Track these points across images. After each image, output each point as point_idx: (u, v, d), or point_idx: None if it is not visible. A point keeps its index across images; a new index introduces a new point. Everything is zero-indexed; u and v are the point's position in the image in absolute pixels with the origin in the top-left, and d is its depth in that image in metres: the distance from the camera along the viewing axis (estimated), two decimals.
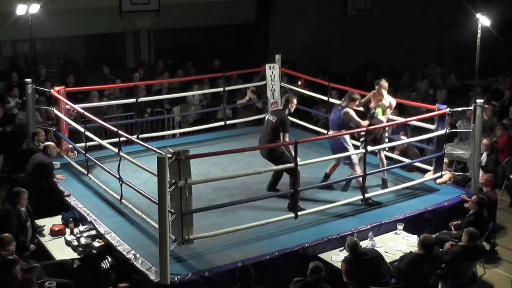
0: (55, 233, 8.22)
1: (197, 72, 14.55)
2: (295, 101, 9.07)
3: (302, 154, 8.52)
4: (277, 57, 12.61)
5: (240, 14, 16.34)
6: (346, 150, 9.07)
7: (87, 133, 9.64)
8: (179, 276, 7.04)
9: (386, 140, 9.69)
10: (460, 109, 10.72)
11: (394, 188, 9.41)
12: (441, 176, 9.67)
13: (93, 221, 8.41)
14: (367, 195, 8.84)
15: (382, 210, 8.87)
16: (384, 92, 9.45)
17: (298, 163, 8.16)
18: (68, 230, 8.26)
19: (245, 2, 16.38)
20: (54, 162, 10.16)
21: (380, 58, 17.33)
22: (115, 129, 8.90)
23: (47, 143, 9.50)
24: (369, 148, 8.90)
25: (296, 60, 16.01)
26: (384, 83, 9.47)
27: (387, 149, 10.06)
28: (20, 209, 7.94)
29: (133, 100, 11.40)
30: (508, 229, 9.83)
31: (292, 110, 9.11)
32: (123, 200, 8.59)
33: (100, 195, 9.23)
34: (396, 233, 8.34)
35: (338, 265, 7.52)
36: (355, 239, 7.39)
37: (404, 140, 10.40)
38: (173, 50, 16.09)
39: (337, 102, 11.76)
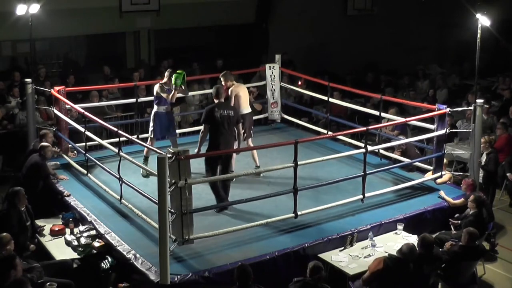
0: (55, 233, 8.22)
1: (198, 72, 14.56)
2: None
3: (302, 154, 8.52)
4: (277, 57, 12.60)
5: (240, 14, 16.35)
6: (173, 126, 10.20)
7: (87, 133, 9.64)
8: (179, 276, 7.03)
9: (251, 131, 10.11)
10: (460, 109, 10.73)
11: (394, 188, 9.41)
12: (441, 176, 9.66)
13: (93, 221, 8.41)
14: (367, 195, 8.84)
15: (382, 210, 8.87)
16: (231, 84, 9.79)
17: (299, 163, 8.15)
18: (68, 230, 8.26)
19: (245, 2, 16.38)
20: (54, 162, 10.21)
21: (380, 58, 17.33)
22: (115, 129, 8.90)
23: (42, 143, 9.44)
24: (369, 148, 8.90)
25: (296, 60, 16.01)
26: (223, 76, 9.84)
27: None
28: (20, 209, 7.94)
29: (133, 100, 11.41)
30: (508, 229, 9.84)
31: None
32: (123, 200, 8.58)
33: (100, 195, 9.22)
34: (396, 233, 8.34)
35: (338, 265, 7.53)
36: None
37: (403, 140, 10.38)
38: (173, 50, 16.08)
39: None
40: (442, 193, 9.27)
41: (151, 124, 10.00)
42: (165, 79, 9.97)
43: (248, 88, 12.65)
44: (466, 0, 9.77)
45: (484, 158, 10.23)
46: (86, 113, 9.48)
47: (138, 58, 15.72)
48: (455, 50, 18.98)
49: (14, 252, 6.94)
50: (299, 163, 8.11)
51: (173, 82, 9.80)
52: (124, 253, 7.60)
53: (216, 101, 8.87)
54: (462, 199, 8.97)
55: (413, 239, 7.99)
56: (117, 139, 8.99)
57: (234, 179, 9.24)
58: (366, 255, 7.73)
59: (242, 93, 9.80)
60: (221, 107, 8.78)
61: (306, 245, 7.80)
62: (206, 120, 8.74)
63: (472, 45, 9.67)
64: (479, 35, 9.36)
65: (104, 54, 15.77)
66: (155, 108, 9.95)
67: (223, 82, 9.77)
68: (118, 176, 8.57)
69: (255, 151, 9.94)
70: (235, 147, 9.21)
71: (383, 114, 10.68)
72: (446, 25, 18.51)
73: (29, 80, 10.65)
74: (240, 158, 10.23)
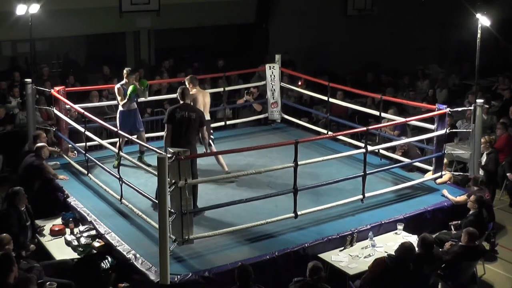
0: (55, 233, 8.23)
1: (198, 72, 14.55)
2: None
3: (302, 154, 8.52)
4: (277, 57, 12.59)
5: (240, 14, 16.36)
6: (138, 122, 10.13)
7: (87, 133, 9.64)
8: (179, 276, 7.03)
9: (211, 139, 9.66)
10: (460, 109, 10.73)
11: (394, 188, 9.41)
12: (441, 176, 9.66)
13: (93, 221, 8.40)
14: (367, 195, 8.85)
15: (382, 210, 8.87)
16: (192, 88, 9.47)
17: (299, 163, 8.15)
18: (68, 230, 8.27)
19: (245, 2, 16.39)
20: (54, 162, 10.21)
21: (380, 58, 17.34)
22: (115, 129, 8.90)
23: (38, 144, 9.43)
24: (369, 148, 8.90)
25: (296, 60, 16.02)
26: (188, 79, 9.61)
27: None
28: (20, 209, 7.94)
29: None
30: (508, 229, 9.84)
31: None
32: (123, 200, 8.58)
33: (100, 195, 9.22)
34: (396, 233, 8.34)
35: (338, 265, 7.53)
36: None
37: (403, 140, 10.38)
38: (173, 50, 16.10)
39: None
40: (445, 191, 9.26)
41: (117, 122, 10.05)
42: (125, 80, 10.03)
43: (248, 88, 12.74)
44: (466, 0, 9.78)
45: (484, 158, 10.24)
46: (86, 113, 9.49)
47: (138, 58, 15.73)
48: (455, 50, 19.00)
49: (13, 252, 6.95)
50: (299, 163, 8.10)
51: (128, 91, 9.86)
52: (124, 253, 7.60)
53: (181, 102, 8.72)
54: (465, 196, 8.95)
55: (413, 239, 7.99)
56: (117, 139, 8.99)
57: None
58: (366, 255, 7.73)
59: (200, 100, 9.44)
60: (183, 109, 8.54)
61: (306, 245, 7.80)
62: (167, 121, 8.55)
63: (472, 45, 9.68)
64: (479, 35, 9.36)
65: (104, 54, 15.78)
66: (119, 107, 10.03)
67: (187, 85, 9.52)
68: (118, 176, 8.58)
69: (221, 157, 9.70)
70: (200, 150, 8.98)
71: (383, 114, 10.68)
72: (446, 25, 18.52)
73: (29, 80, 10.66)
74: (240, 158, 10.26)
